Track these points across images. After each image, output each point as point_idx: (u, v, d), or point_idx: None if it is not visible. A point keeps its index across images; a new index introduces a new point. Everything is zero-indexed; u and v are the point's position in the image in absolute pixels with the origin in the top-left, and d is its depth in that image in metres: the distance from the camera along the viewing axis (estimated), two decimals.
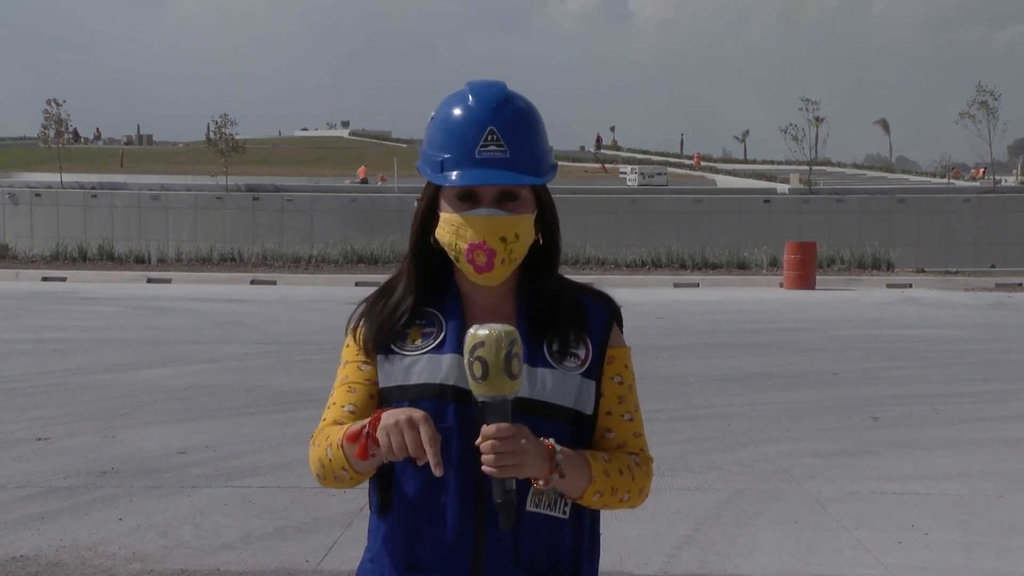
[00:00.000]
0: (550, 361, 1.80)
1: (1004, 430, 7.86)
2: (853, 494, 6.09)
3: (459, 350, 1.72)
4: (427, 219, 1.86)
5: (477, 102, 1.78)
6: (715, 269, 24.26)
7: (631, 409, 1.88)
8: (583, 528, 1.85)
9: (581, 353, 1.83)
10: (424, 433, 1.61)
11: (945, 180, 49.52)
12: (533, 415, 1.74)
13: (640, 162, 58.96)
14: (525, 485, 1.74)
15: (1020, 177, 54.50)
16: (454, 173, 1.76)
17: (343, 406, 1.85)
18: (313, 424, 1.98)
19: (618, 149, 79.54)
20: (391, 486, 1.83)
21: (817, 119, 38.34)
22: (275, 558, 4.93)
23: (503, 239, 1.76)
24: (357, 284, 20.63)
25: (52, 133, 37.82)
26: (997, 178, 41.51)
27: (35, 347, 11.95)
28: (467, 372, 1.64)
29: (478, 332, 1.63)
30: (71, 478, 6.30)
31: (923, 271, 23.99)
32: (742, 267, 24.45)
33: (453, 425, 1.76)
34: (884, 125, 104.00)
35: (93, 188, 34.41)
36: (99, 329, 13.77)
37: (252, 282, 21.95)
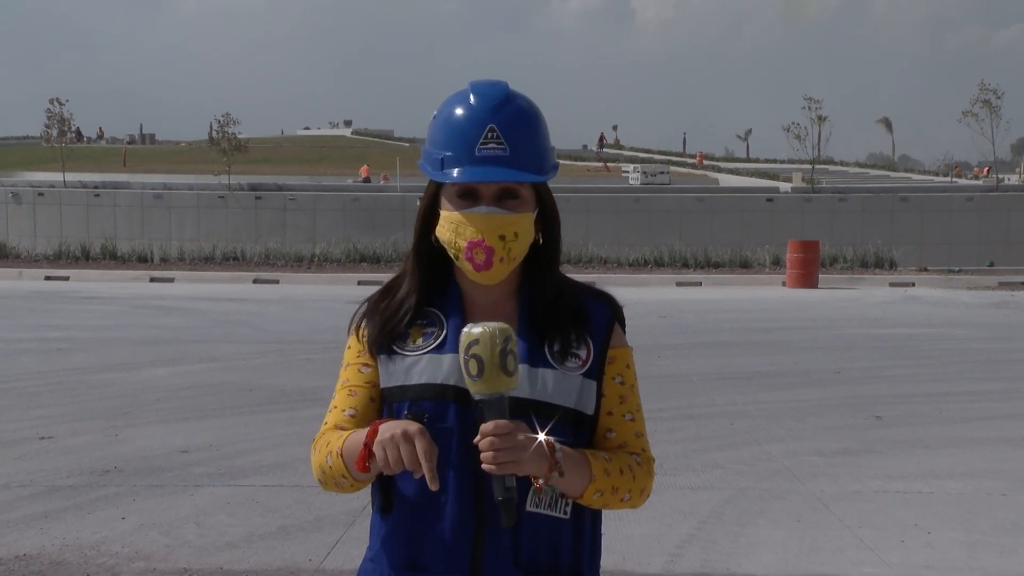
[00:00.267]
0: (551, 361, 1.80)
1: (1007, 429, 7.85)
2: (856, 493, 6.09)
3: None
4: (429, 218, 1.86)
5: (478, 101, 1.78)
6: (718, 268, 24.24)
7: (632, 409, 1.88)
8: (584, 528, 1.85)
9: (582, 353, 1.83)
10: (419, 447, 1.61)
11: (948, 179, 49.47)
12: (534, 415, 1.74)
13: (643, 161, 58.93)
14: (525, 485, 1.74)
15: (1023, 176, 54.46)
16: (455, 171, 1.77)
17: (344, 410, 1.85)
18: (315, 423, 1.98)
19: (620, 148, 79.54)
20: (392, 487, 1.83)
21: (820, 118, 38.29)
22: (278, 557, 4.93)
23: (502, 237, 1.76)
24: (360, 283, 20.63)
25: (55, 132, 37.82)
26: (1000, 177, 41.45)
27: (38, 346, 11.96)
28: (463, 370, 1.65)
29: (472, 330, 1.64)
30: (74, 477, 6.30)
31: (926, 270, 23.97)
32: (745, 266, 24.43)
33: (454, 425, 1.76)
34: (887, 124, 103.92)
35: (96, 187, 34.43)
36: (102, 328, 13.78)
37: (255, 281, 21.96)
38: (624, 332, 1.91)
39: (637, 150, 77.32)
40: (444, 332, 1.82)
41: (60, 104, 37.52)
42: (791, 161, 47.58)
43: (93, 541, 5.13)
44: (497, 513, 1.68)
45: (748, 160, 74.34)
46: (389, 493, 1.83)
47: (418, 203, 1.90)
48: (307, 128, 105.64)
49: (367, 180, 45.22)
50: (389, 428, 1.65)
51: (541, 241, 1.86)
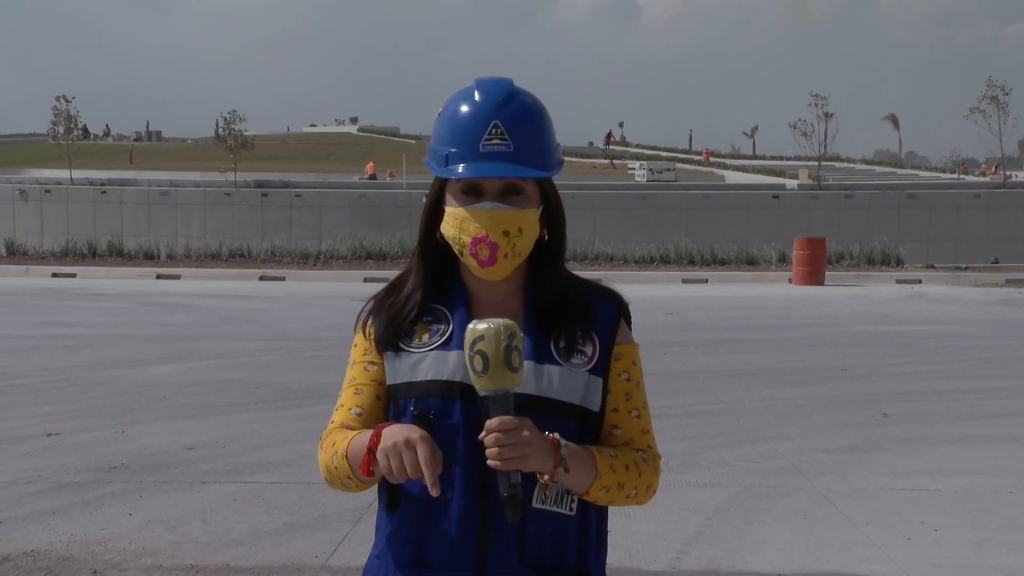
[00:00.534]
0: (557, 358, 1.80)
1: (1015, 426, 7.84)
2: (863, 490, 6.08)
3: None
4: (434, 214, 1.87)
5: (483, 97, 1.79)
6: (724, 265, 24.23)
7: (638, 406, 1.88)
8: (590, 525, 1.85)
9: (588, 350, 1.83)
10: (421, 454, 1.61)
11: (955, 176, 49.33)
12: (540, 412, 1.74)
13: (648, 158, 58.84)
14: (531, 482, 1.74)
15: None
16: (459, 167, 1.77)
17: (350, 408, 1.86)
18: (322, 420, 1.98)
19: (626, 145, 79.38)
20: (398, 484, 1.83)
21: (826, 114, 38.18)
22: (284, 554, 4.94)
23: (506, 233, 1.76)
24: (366, 280, 20.66)
25: (62, 130, 37.84)
26: (1007, 173, 41.31)
27: (45, 343, 11.99)
28: (468, 366, 1.65)
29: (477, 326, 1.64)
30: (81, 473, 6.32)
31: (933, 267, 23.92)
32: (751, 263, 24.41)
33: (459, 421, 1.76)
34: (893, 120, 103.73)
35: (102, 184, 34.47)
36: (108, 325, 13.82)
37: (261, 278, 21.99)
38: (630, 329, 1.91)
39: (643, 147, 77.20)
40: (450, 329, 1.82)
41: (67, 101, 37.55)
42: (797, 158, 47.52)
43: (100, 537, 5.14)
44: (503, 510, 1.68)
45: (754, 157, 74.20)
46: (395, 491, 1.83)
47: (424, 200, 1.90)
48: (313, 125, 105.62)
49: (373, 177, 45.23)
50: (391, 434, 1.65)
51: (546, 238, 1.87)
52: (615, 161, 60.63)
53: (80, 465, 6.51)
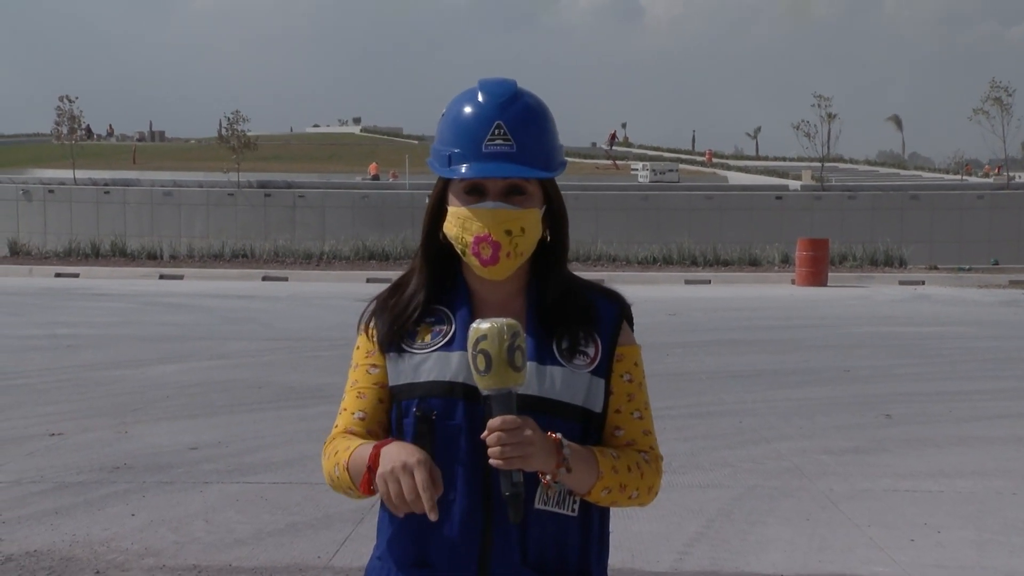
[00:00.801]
0: (559, 359, 1.81)
1: (1018, 428, 7.82)
2: (866, 491, 6.07)
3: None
4: (437, 215, 1.87)
5: (486, 98, 1.80)
6: (727, 266, 24.21)
7: (641, 407, 1.88)
8: (592, 526, 1.85)
9: (591, 351, 1.83)
10: (419, 478, 1.61)
11: (958, 177, 49.27)
12: (542, 413, 1.74)
13: (651, 159, 58.86)
14: (534, 483, 1.74)
15: None
16: (462, 167, 1.78)
17: (353, 412, 1.86)
18: (324, 420, 1.98)
19: (629, 146, 79.40)
20: None
21: (829, 115, 38.15)
22: (287, 554, 4.94)
23: (508, 232, 1.77)
24: (368, 280, 20.67)
25: (65, 130, 37.88)
26: (1011, 175, 41.24)
27: (48, 343, 12.00)
28: (471, 365, 1.65)
29: (480, 326, 1.65)
30: (84, 473, 6.33)
31: (936, 268, 23.89)
32: (754, 264, 24.39)
33: (462, 422, 1.77)
34: (897, 121, 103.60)
35: (106, 184, 34.49)
36: (111, 325, 13.83)
37: (264, 278, 22.00)
38: (632, 330, 1.91)
39: (646, 148, 77.20)
40: (453, 329, 1.83)
41: (70, 101, 37.57)
42: (801, 159, 47.47)
43: (103, 537, 5.14)
44: (505, 510, 1.68)
45: (757, 158, 74.16)
46: None
47: (427, 200, 1.90)
48: (316, 125, 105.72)
49: (376, 177, 45.24)
50: (389, 458, 1.64)
51: (549, 239, 1.87)
52: (618, 162, 60.63)
53: (83, 465, 6.51)
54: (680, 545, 5.08)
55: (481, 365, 1.64)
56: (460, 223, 1.79)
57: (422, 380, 1.80)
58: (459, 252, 1.82)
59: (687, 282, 21.80)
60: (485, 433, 1.65)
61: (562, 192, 1.90)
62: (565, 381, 1.79)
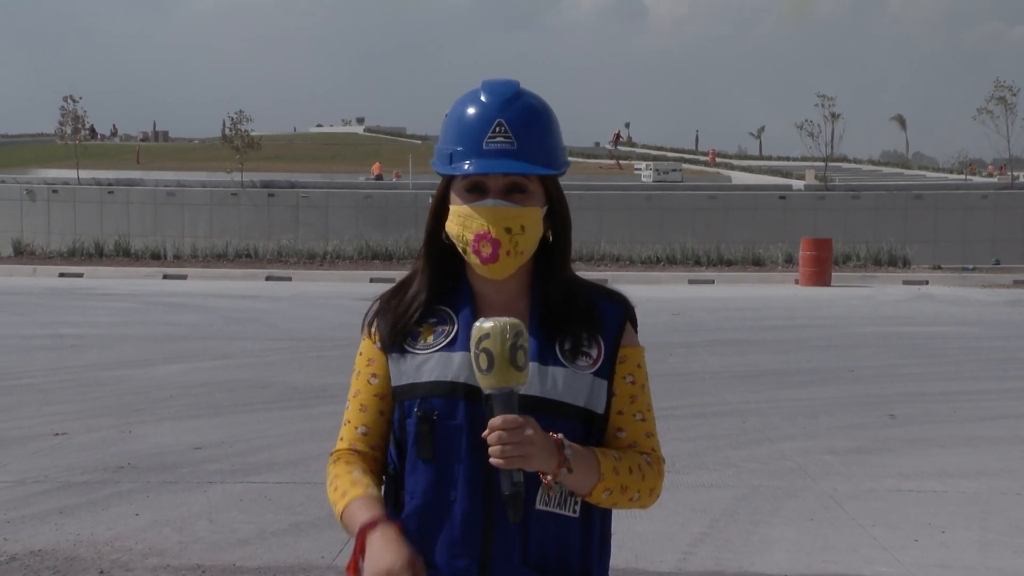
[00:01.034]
0: (562, 360, 1.81)
1: (1022, 428, 7.82)
2: (870, 491, 6.07)
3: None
4: (439, 214, 1.87)
5: (488, 98, 1.80)
6: (730, 266, 24.19)
7: (643, 409, 1.88)
8: (593, 527, 1.85)
9: (593, 352, 1.83)
10: None
11: (962, 177, 49.20)
12: (544, 413, 1.74)
13: (655, 158, 58.82)
14: (535, 484, 1.74)
15: None
16: (463, 164, 1.78)
17: (356, 427, 1.88)
18: (328, 420, 1.99)
19: (633, 145, 79.32)
20: (401, 488, 1.84)
21: (833, 115, 38.08)
22: (290, 554, 4.94)
23: (508, 230, 1.77)
24: (372, 280, 20.67)
25: (69, 130, 37.90)
26: (1015, 174, 41.16)
27: (52, 343, 12.02)
28: (473, 364, 1.65)
29: (483, 325, 1.66)
30: (88, 473, 6.33)
31: (940, 268, 23.86)
32: (757, 264, 24.37)
33: (463, 423, 1.77)
34: (900, 121, 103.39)
35: (110, 184, 34.52)
36: (115, 325, 13.84)
37: (267, 278, 22.01)
38: (636, 332, 1.91)
39: (649, 147, 77.13)
40: (455, 330, 1.83)
41: (74, 101, 37.62)
42: (804, 159, 47.42)
43: (107, 537, 5.15)
44: (506, 511, 1.68)
45: (761, 158, 74.06)
46: (399, 492, 1.84)
47: (430, 200, 1.90)
48: (320, 125, 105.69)
49: (379, 177, 45.24)
50: (373, 560, 1.67)
51: (551, 239, 1.87)
52: (621, 161, 60.61)
53: (87, 465, 6.52)
54: (684, 545, 5.08)
55: (483, 364, 1.64)
56: (461, 221, 1.79)
57: (424, 380, 1.80)
58: (460, 251, 1.82)
59: (691, 282, 21.79)
60: (486, 432, 1.65)
61: (565, 192, 1.90)
62: (567, 382, 1.79)
